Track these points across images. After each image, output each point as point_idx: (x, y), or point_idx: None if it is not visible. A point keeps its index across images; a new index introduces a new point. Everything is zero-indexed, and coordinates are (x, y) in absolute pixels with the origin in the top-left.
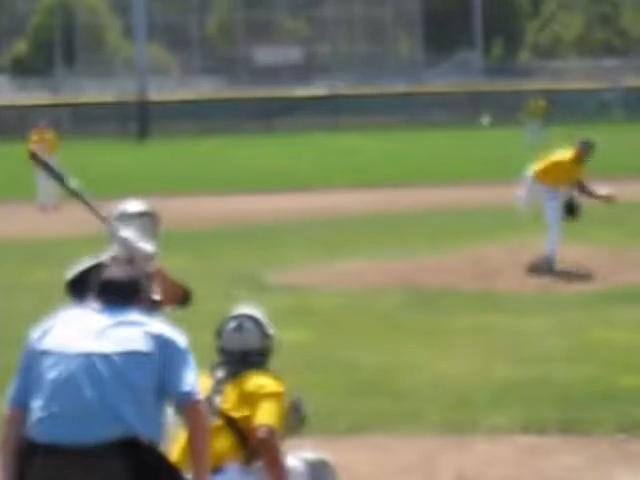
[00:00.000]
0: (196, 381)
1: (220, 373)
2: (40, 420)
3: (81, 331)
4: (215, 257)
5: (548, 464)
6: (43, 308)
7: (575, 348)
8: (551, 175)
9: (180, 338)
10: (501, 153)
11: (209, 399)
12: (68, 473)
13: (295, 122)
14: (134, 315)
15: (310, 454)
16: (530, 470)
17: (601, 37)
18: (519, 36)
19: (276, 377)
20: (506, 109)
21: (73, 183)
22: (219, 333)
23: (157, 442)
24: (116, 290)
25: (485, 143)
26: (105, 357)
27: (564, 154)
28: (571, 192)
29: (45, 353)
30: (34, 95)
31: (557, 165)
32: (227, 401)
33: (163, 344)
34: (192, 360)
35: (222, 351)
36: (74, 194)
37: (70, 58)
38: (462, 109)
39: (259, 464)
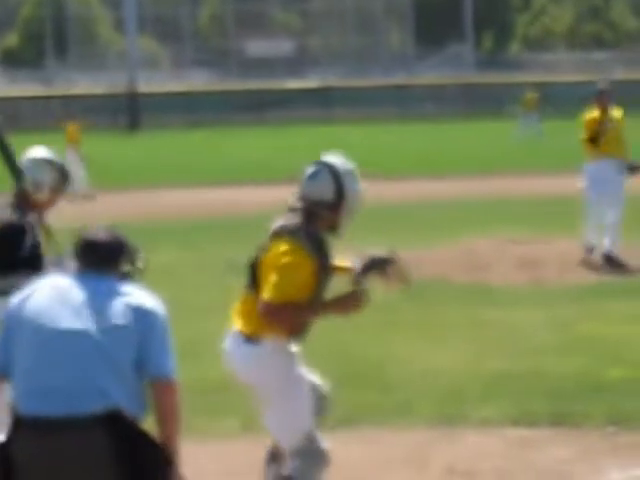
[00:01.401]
0: (173, 358)
1: (280, 221)
2: (23, 394)
3: (62, 303)
4: (207, 248)
5: (538, 457)
6: None
7: (566, 341)
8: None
9: (160, 309)
10: (492, 146)
11: (255, 258)
12: (52, 446)
13: (287, 115)
14: (115, 284)
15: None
16: (520, 463)
17: (591, 30)
18: (510, 29)
19: (302, 247)
20: (497, 102)
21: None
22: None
23: (140, 417)
24: (98, 253)
25: (477, 136)
26: (86, 331)
27: (589, 113)
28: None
29: (26, 325)
30: (25, 87)
31: (588, 125)
32: (260, 270)
33: (143, 316)
34: (170, 335)
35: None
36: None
37: (61, 50)
38: (454, 102)
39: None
